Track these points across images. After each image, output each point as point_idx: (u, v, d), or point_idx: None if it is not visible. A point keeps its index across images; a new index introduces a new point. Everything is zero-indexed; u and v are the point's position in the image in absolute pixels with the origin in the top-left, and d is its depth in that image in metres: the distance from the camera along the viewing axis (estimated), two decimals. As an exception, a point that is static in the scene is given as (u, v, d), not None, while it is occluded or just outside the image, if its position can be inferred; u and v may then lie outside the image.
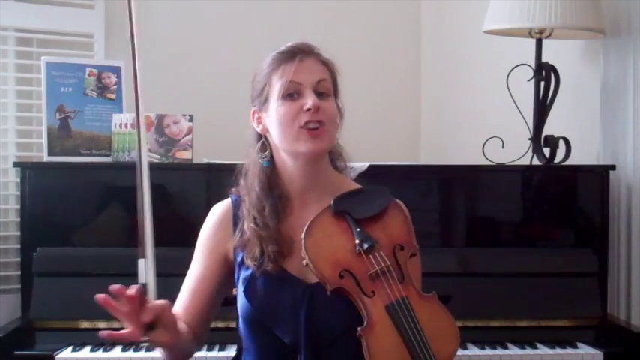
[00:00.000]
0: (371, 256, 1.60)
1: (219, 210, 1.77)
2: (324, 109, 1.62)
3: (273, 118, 1.65)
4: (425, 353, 1.53)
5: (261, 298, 1.64)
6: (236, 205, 1.73)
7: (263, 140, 1.71)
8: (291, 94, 1.63)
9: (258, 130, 1.71)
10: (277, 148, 1.69)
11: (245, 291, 1.65)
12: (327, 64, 1.69)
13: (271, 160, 1.70)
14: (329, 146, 1.67)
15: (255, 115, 1.71)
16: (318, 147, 1.62)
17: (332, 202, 1.65)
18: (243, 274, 1.67)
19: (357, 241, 1.61)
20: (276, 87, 1.64)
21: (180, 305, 1.73)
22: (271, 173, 1.70)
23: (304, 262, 1.60)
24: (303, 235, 1.61)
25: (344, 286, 1.58)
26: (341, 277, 1.58)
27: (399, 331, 1.54)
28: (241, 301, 1.67)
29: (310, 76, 1.63)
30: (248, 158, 1.73)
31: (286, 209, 1.69)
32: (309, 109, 1.61)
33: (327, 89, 1.66)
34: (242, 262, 1.68)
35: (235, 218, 1.72)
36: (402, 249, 1.63)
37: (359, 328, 1.54)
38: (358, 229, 1.62)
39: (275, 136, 1.66)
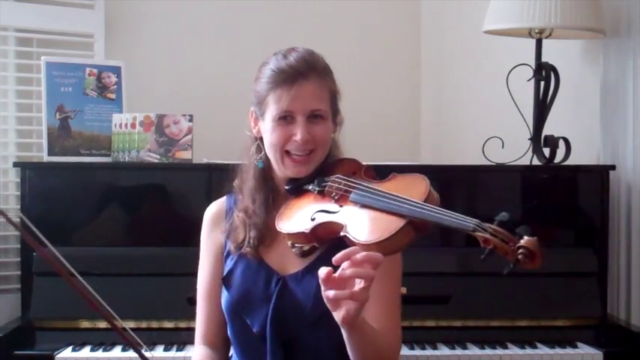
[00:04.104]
0: (327, 188, 1.62)
1: (213, 208, 1.81)
2: (315, 135, 1.64)
3: (267, 134, 1.68)
4: (397, 199, 1.49)
5: (237, 287, 1.67)
6: (231, 201, 1.78)
7: (258, 143, 1.73)
8: (284, 117, 1.64)
9: (254, 132, 1.74)
10: None
11: (224, 279, 1.69)
12: (327, 83, 1.68)
13: (266, 160, 1.72)
14: (315, 168, 1.68)
15: (253, 116, 1.74)
16: (302, 172, 1.67)
17: (286, 189, 1.68)
18: (228, 265, 1.71)
19: (311, 187, 1.64)
20: (272, 109, 1.65)
21: (201, 318, 1.76)
22: (266, 170, 1.73)
23: (282, 235, 1.61)
24: (276, 221, 1.63)
25: (319, 223, 1.56)
26: (312, 219, 1.57)
27: (372, 206, 1.50)
28: (223, 292, 1.70)
29: (305, 106, 1.63)
30: (245, 155, 1.76)
31: (277, 203, 1.71)
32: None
33: (323, 113, 1.66)
34: (228, 253, 1.73)
35: (228, 213, 1.76)
36: (354, 174, 1.65)
37: (341, 232, 1.50)
38: (313, 182, 1.65)
39: (266, 148, 1.70)
